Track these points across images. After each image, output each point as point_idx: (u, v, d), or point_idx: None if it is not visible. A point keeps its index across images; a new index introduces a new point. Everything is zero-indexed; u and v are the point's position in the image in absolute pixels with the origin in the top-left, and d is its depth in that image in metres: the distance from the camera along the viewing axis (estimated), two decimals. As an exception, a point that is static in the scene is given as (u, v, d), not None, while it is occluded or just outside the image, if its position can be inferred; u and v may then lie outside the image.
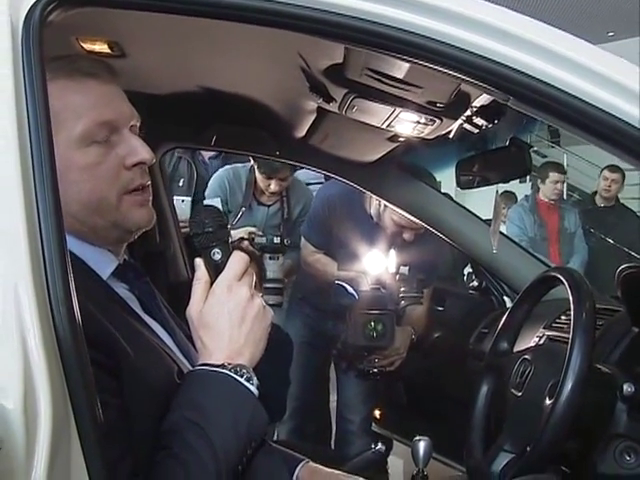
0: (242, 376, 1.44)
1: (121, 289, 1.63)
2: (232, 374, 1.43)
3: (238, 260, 1.52)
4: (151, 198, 1.64)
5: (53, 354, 1.15)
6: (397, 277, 3.56)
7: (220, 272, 1.51)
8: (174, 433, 1.38)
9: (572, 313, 1.72)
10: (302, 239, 4.03)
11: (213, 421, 1.39)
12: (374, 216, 3.66)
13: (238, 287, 1.49)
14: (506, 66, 1.37)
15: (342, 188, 3.53)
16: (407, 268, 3.58)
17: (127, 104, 1.62)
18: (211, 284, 1.51)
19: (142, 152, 1.58)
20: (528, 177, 13.80)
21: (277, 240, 3.88)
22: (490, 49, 1.37)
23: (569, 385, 1.61)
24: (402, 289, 3.56)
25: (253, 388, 1.45)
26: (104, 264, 1.60)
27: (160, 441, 1.38)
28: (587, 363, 1.64)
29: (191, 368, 1.59)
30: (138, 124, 1.63)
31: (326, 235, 3.88)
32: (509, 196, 8.66)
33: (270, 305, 3.33)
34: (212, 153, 4.90)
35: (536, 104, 1.41)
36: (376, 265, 3.51)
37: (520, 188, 9.16)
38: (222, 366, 1.44)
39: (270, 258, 3.83)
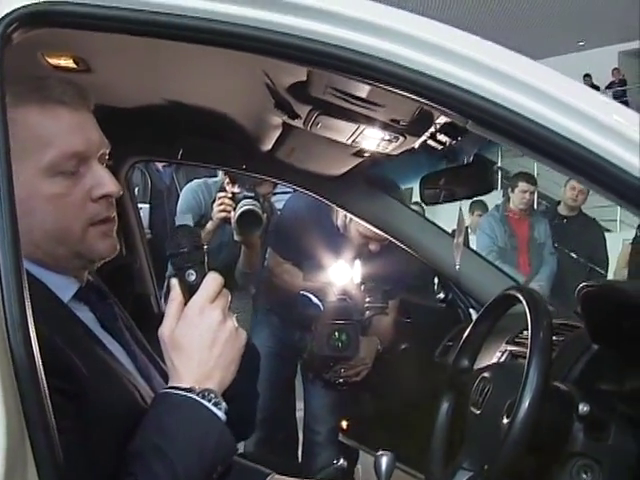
0: (210, 401, 1.44)
1: (83, 311, 1.62)
2: (199, 399, 1.43)
3: (212, 282, 1.52)
4: (115, 227, 1.64)
5: (9, 380, 1.15)
6: (363, 288, 3.58)
7: (194, 293, 1.50)
8: (138, 457, 1.37)
9: (529, 332, 1.73)
10: (269, 250, 4.04)
11: (177, 446, 1.38)
12: (340, 228, 3.69)
13: (210, 310, 1.49)
14: (461, 88, 1.38)
15: (310, 200, 3.53)
16: (373, 279, 3.61)
17: (97, 132, 1.61)
18: (185, 305, 1.50)
19: (109, 184, 1.58)
20: (500, 186, 13.95)
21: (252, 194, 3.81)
22: (444, 71, 1.38)
23: (525, 405, 1.62)
24: (367, 299, 3.58)
25: (220, 413, 1.44)
26: (65, 287, 1.60)
27: (125, 465, 1.37)
28: (543, 383, 1.65)
29: (151, 392, 1.60)
30: (107, 151, 1.62)
31: (293, 246, 3.89)
32: (479, 205, 8.71)
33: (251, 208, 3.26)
34: (165, 161, 4.90)
35: (492, 127, 1.43)
36: (342, 276, 3.54)
37: (491, 197, 9.19)
38: (190, 390, 1.44)
39: (245, 197, 3.75)
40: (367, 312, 3.60)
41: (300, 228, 3.81)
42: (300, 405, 4.31)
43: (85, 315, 1.62)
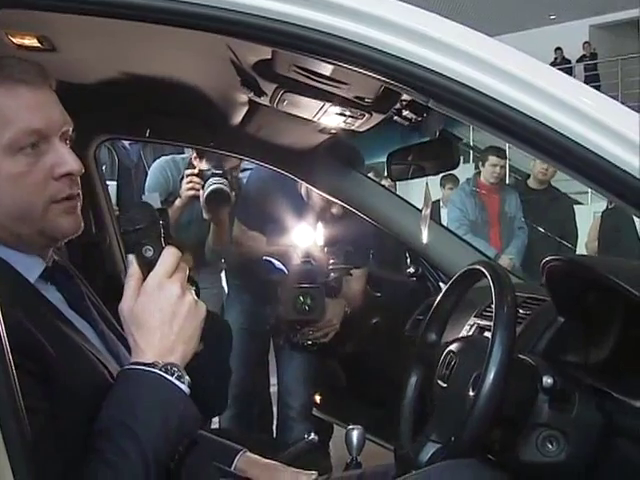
0: (172, 374, 1.45)
1: (50, 291, 1.61)
2: (162, 373, 1.44)
3: (169, 256, 1.52)
4: (80, 205, 1.62)
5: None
6: (326, 250, 3.63)
7: (152, 269, 1.51)
8: (103, 433, 1.38)
9: (494, 307, 1.75)
10: (235, 221, 4.06)
11: (142, 420, 1.39)
12: (304, 196, 3.75)
13: (169, 284, 1.49)
14: (420, 66, 1.38)
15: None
16: (336, 241, 3.67)
17: (59, 110, 1.59)
18: (144, 281, 1.51)
19: (71, 162, 1.56)
20: (471, 160, 13.96)
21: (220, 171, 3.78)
22: (404, 50, 1.38)
23: (490, 378, 1.65)
24: (331, 261, 3.61)
25: (184, 387, 1.46)
26: (31, 267, 1.58)
27: (90, 442, 1.38)
28: (508, 356, 1.68)
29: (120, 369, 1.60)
30: (70, 129, 1.60)
31: (259, 215, 3.93)
32: (450, 179, 8.73)
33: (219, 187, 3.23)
34: (131, 138, 4.89)
35: (451, 104, 1.43)
36: (305, 239, 3.59)
37: (463, 171, 9.20)
38: (152, 365, 1.45)
39: (213, 175, 3.72)
40: (331, 274, 3.64)
41: (265, 197, 3.86)
42: (274, 381, 4.32)
43: (52, 295, 1.61)
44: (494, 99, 1.38)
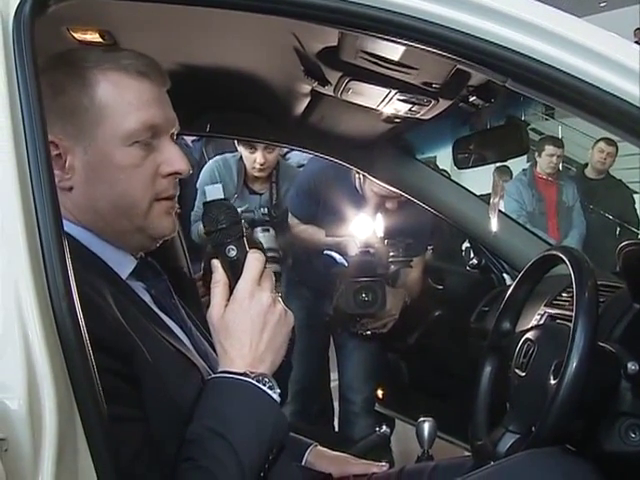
0: (265, 384, 1.43)
1: (139, 289, 1.59)
2: (256, 383, 1.43)
3: (255, 262, 1.50)
4: (176, 207, 1.62)
5: (56, 351, 1.15)
6: (385, 243, 3.64)
7: (236, 269, 1.50)
8: (197, 444, 1.37)
9: (574, 293, 1.71)
10: (289, 214, 4.07)
11: (237, 431, 1.38)
12: (358, 189, 3.73)
13: (260, 292, 1.48)
14: (501, 46, 1.36)
15: (327, 163, 3.53)
16: (394, 234, 3.68)
17: (171, 110, 1.59)
18: (229, 281, 1.50)
19: (180, 162, 1.56)
20: (524, 151, 13.83)
21: (265, 211, 3.83)
22: (483, 29, 1.36)
23: (573, 365, 1.61)
24: (391, 254, 3.61)
25: (276, 396, 1.44)
26: (123, 263, 1.57)
27: (183, 452, 1.37)
28: (590, 343, 1.63)
29: (209, 369, 1.59)
30: (176, 132, 1.61)
31: (312, 208, 3.94)
32: (504, 170, 8.65)
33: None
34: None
35: (533, 84, 1.41)
36: (363, 230, 3.61)
37: (517, 162, 9.11)
38: (245, 374, 1.43)
39: (262, 231, 3.79)
40: (392, 267, 3.66)
41: (319, 190, 3.87)
42: (334, 376, 4.31)
43: (141, 293, 1.60)
44: (574, 76, 1.35)
